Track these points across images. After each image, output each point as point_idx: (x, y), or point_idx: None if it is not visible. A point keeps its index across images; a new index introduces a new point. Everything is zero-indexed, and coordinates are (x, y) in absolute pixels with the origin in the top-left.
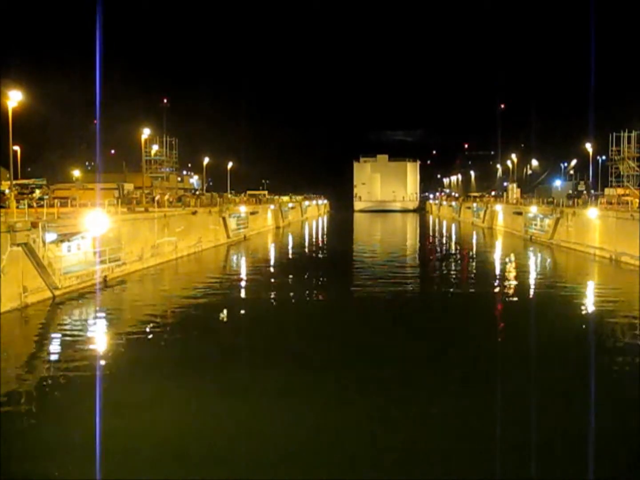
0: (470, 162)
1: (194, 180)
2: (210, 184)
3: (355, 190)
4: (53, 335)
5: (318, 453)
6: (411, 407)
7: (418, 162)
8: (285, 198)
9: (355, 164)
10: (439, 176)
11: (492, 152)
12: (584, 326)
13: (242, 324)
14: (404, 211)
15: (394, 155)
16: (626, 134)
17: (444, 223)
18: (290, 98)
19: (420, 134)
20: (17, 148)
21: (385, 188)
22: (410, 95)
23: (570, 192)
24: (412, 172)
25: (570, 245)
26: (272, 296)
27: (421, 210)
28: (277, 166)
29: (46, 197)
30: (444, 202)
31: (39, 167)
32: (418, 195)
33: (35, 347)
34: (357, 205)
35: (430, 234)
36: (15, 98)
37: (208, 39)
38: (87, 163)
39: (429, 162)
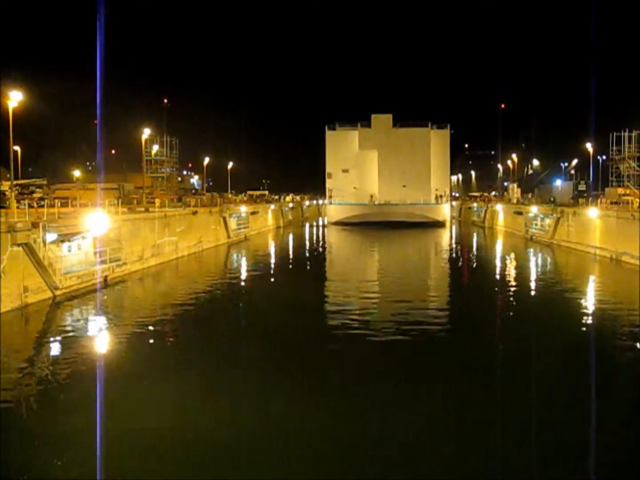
0: (470, 162)
1: (194, 180)
2: (211, 184)
3: (327, 184)
4: (53, 334)
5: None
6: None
7: (449, 130)
8: (287, 198)
9: (329, 134)
10: None
11: (493, 152)
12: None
13: (241, 323)
14: (426, 224)
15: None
16: (626, 134)
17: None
18: (290, 98)
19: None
20: (17, 148)
21: (389, 178)
22: (411, 96)
23: (576, 192)
24: (439, 146)
25: (571, 245)
26: (271, 296)
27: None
28: (277, 166)
29: (46, 197)
30: None
31: (39, 167)
32: (448, 192)
33: (35, 347)
34: (332, 212)
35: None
36: (15, 98)
37: (208, 39)
38: (87, 163)
39: None
